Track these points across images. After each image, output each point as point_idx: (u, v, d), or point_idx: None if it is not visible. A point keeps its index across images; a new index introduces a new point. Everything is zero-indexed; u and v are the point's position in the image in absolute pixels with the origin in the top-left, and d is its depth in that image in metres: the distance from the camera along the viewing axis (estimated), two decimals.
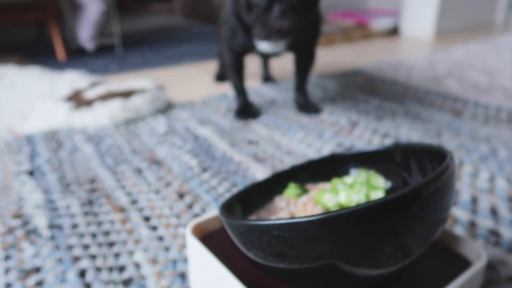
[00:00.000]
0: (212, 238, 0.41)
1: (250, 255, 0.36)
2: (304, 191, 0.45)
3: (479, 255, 0.38)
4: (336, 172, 0.46)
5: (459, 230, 0.56)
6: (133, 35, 2.36)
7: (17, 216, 0.61)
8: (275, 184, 0.45)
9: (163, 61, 1.67)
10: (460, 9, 2.21)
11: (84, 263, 0.51)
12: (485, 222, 0.57)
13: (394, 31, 2.23)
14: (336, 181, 0.41)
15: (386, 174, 0.43)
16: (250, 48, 0.93)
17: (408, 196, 0.30)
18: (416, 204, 0.32)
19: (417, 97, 1.12)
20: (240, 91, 1.02)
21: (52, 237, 0.56)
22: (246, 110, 1.00)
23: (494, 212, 0.60)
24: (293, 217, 0.30)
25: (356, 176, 0.42)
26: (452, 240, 0.41)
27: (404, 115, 0.99)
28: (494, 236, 0.54)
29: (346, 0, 2.56)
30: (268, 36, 0.79)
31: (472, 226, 0.57)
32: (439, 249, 0.41)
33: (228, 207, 0.39)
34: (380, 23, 2.21)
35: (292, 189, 0.44)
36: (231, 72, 0.99)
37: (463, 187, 0.66)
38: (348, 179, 0.43)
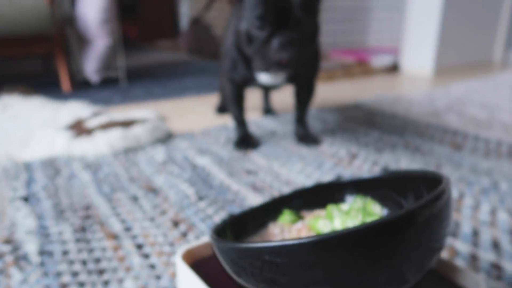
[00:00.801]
0: (203, 265, 0.40)
1: (241, 281, 0.34)
2: (299, 217, 0.44)
3: (479, 286, 0.36)
4: (332, 199, 0.45)
5: (460, 263, 0.54)
6: (137, 69, 2.41)
7: (8, 241, 0.60)
8: (269, 210, 0.45)
9: (166, 93, 1.69)
10: (458, 47, 2.26)
11: None
12: (486, 255, 0.56)
13: (393, 68, 2.26)
14: (331, 208, 0.41)
15: (382, 201, 0.42)
16: (250, 80, 0.94)
17: (402, 218, 0.29)
18: (411, 229, 0.31)
19: (417, 131, 1.12)
20: (240, 122, 1.02)
21: (42, 264, 0.55)
22: (246, 141, 1.00)
23: (496, 245, 0.58)
24: (284, 240, 0.29)
25: (352, 203, 0.42)
26: (452, 271, 0.39)
27: (404, 147, 0.99)
28: (496, 270, 0.52)
29: (346, 38, 2.63)
30: (268, 68, 0.80)
31: (473, 259, 0.55)
32: (439, 279, 0.39)
33: (219, 232, 0.38)
34: (380, 60, 2.25)
35: (286, 216, 0.43)
36: (232, 103, 1.00)
37: (464, 220, 0.65)
38: (344, 206, 0.42)
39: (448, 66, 2.23)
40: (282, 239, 0.37)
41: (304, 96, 1.03)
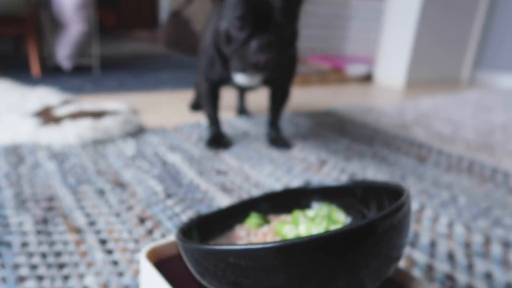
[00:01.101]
0: (167, 264, 0.40)
1: (205, 282, 0.35)
2: (266, 221, 0.44)
3: None
4: (299, 205, 0.46)
5: (416, 273, 0.56)
6: (112, 59, 2.35)
7: None
8: (237, 212, 0.45)
9: (140, 86, 1.67)
10: (430, 63, 2.34)
11: (30, 284, 0.48)
12: (442, 266, 0.58)
13: (367, 78, 2.32)
14: (297, 214, 0.41)
15: (347, 209, 0.43)
16: (226, 80, 0.95)
17: (364, 228, 0.30)
18: (371, 239, 0.32)
19: (385, 141, 1.15)
20: (214, 121, 1.02)
21: None
22: (218, 140, 1.00)
23: (451, 257, 0.61)
24: (249, 244, 0.29)
25: (318, 209, 0.43)
26: (408, 280, 0.41)
27: (371, 157, 1.02)
28: (449, 281, 0.55)
29: (324, 44, 2.67)
30: (245, 69, 0.81)
31: (429, 269, 0.57)
32: None
33: (185, 232, 0.38)
34: (355, 69, 2.30)
35: (253, 219, 0.44)
36: (206, 101, 1.00)
37: (423, 231, 0.68)
38: (310, 212, 0.43)
39: (419, 80, 2.31)
40: (247, 243, 0.38)
41: (278, 100, 1.04)
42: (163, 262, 0.40)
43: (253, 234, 0.42)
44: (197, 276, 0.34)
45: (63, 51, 1.81)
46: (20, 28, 1.72)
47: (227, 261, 0.31)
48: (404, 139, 1.19)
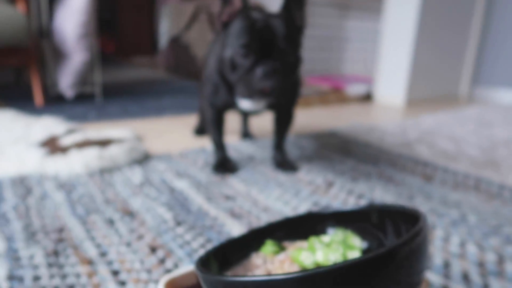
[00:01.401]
0: None
1: None
2: (281, 248, 0.44)
3: None
4: (314, 231, 0.46)
5: None
6: (114, 86, 2.38)
7: None
8: (251, 240, 0.45)
9: (143, 112, 1.68)
10: (428, 80, 2.37)
11: None
12: (458, 287, 0.58)
13: (367, 97, 2.34)
14: (313, 240, 0.41)
15: (362, 234, 0.43)
16: (231, 105, 0.96)
17: (385, 256, 0.30)
18: (392, 265, 0.32)
19: (390, 161, 1.16)
20: (219, 145, 1.03)
21: None
22: (224, 165, 1.01)
23: (466, 277, 0.60)
24: (270, 275, 0.29)
25: (333, 235, 0.43)
26: None
27: (378, 177, 1.02)
28: None
29: (322, 66, 2.70)
30: (251, 95, 0.82)
31: None
32: None
33: (204, 262, 0.38)
34: (354, 89, 2.33)
35: (269, 246, 0.44)
36: (211, 127, 1.00)
37: (436, 251, 0.67)
38: (325, 238, 0.43)
39: (418, 98, 2.33)
40: (267, 274, 0.38)
41: (283, 123, 1.05)
42: None
43: (269, 261, 0.42)
44: None
45: (66, 80, 1.83)
46: (23, 59, 1.75)
47: None
48: (408, 157, 1.20)
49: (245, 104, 0.93)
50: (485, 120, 1.84)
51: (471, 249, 0.69)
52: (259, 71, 0.78)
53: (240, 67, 0.81)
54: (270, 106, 0.97)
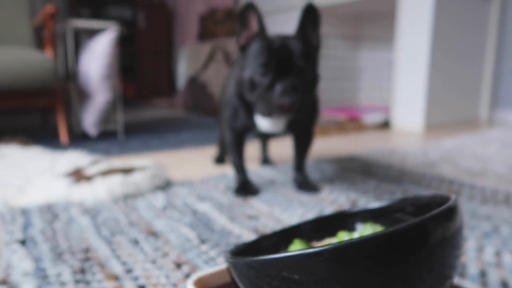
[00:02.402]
0: None
1: None
2: (310, 247, 0.44)
3: None
4: (343, 228, 0.45)
5: None
6: (135, 124, 2.45)
7: (3, 282, 0.58)
8: (280, 240, 0.44)
9: (163, 146, 1.71)
10: (446, 106, 2.35)
11: None
12: None
13: (385, 125, 2.33)
14: (342, 234, 0.41)
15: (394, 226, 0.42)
16: (251, 127, 0.97)
17: (414, 227, 0.29)
18: (424, 250, 0.31)
19: (413, 180, 1.14)
20: (240, 168, 1.03)
21: None
22: (246, 187, 1.01)
23: (505, 285, 0.57)
24: (301, 249, 0.29)
25: (362, 230, 0.42)
26: None
27: (402, 194, 1.00)
28: None
29: (338, 96, 2.73)
30: (271, 112, 0.84)
31: None
32: None
33: (234, 255, 0.38)
34: (371, 118, 2.33)
35: (297, 245, 0.43)
36: (232, 149, 1.02)
37: (470, 261, 0.65)
38: (355, 235, 0.43)
39: (437, 124, 2.31)
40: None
41: (303, 143, 1.05)
42: None
43: None
44: None
45: (90, 119, 1.90)
46: (50, 100, 1.83)
47: (281, 275, 0.30)
48: (433, 176, 1.17)
49: (264, 124, 0.94)
50: (508, 141, 1.80)
51: (507, 258, 0.66)
52: (278, 88, 0.80)
53: (259, 86, 0.83)
54: (289, 127, 0.98)
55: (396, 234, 0.28)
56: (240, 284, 0.34)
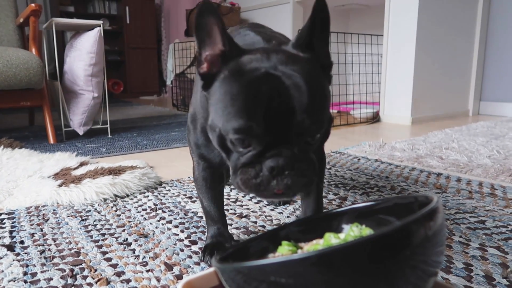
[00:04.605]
0: None
1: None
2: (298, 248, 0.44)
3: None
4: (330, 230, 0.46)
5: None
6: (124, 123, 2.43)
7: None
8: (267, 242, 0.45)
9: (153, 145, 1.71)
10: (433, 100, 2.38)
11: None
12: None
13: (374, 119, 2.35)
14: (329, 235, 0.41)
15: (378, 227, 0.43)
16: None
17: (398, 231, 0.30)
18: (407, 250, 0.32)
19: (401, 174, 1.15)
20: (213, 217, 0.69)
21: None
22: (218, 246, 0.66)
23: (489, 278, 0.59)
24: (287, 255, 0.29)
25: (349, 231, 0.43)
26: None
27: (390, 190, 1.01)
28: None
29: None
30: (256, 193, 0.49)
31: None
32: None
33: (222, 261, 0.38)
34: (361, 112, 2.35)
35: (285, 246, 0.44)
36: (199, 190, 0.69)
37: (455, 255, 0.66)
38: (341, 235, 0.43)
39: (425, 116, 2.34)
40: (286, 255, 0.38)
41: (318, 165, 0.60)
42: None
43: None
44: None
45: (77, 118, 1.88)
46: (37, 100, 1.80)
47: (268, 280, 0.31)
48: (420, 170, 1.19)
49: None
50: (494, 133, 1.83)
51: (492, 251, 0.67)
52: (267, 167, 0.46)
53: (236, 160, 0.49)
54: None
55: (381, 238, 0.29)
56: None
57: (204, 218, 0.77)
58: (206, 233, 0.71)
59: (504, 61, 2.52)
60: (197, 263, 0.65)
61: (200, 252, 0.68)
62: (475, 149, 1.47)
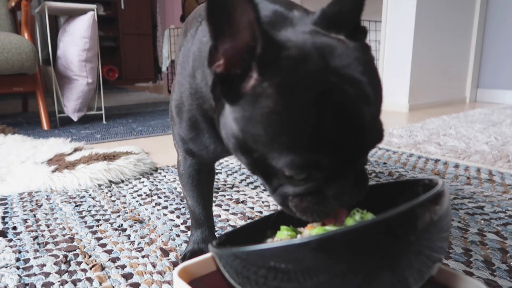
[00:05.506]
0: (200, 283, 0.39)
1: None
2: (297, 232, 0.43)
3: None
4: None
5: None
6: (119, 109, 2.40)
7: None
8: (266, 227, 0.44)
9: (148, 131, 1.69)
10: (431, 87, 2.37)
11: None
12: (481, 274, 0.56)
13: None
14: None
15: (382, 210, 0.42)
16: (221, 155, 0.54)
17: (403, 214, 0.29)
18: (412, 235, 0.31)
19: (399, 161, 1.14)
20: (199, 219, 0.60)
21: None
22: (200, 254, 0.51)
23: (489, 263, 0.58)
24: (287, 240, 0.28)
25: (350, 215, 0.41)
26: (453, 279, 0.39)
27: (388, 176, 1.00)
28: (491, 287, 0.52)
29: None
30: (304, 215, 0.41)
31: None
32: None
33: (219, 246, 0.37)
34: None
35: (284, 231, 0.43)
36: (185, 188, 0.60)
37: (455, 240, 0.65)
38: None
39: (423, 103, 2.32)
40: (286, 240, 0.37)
41: None
42: (196, 281, 0.38)
43: None
44: (238, 286, 0.33)
45: (71, 104, 1.85)
46: (30, 86, 1.77)
47: (268, 265, 0.30)
48: (418, 156, 1.18)
49: None
50: (491, 120, 1.83)
51: (491, 236, 0.67)
52: (331, 194, 0.38)
53: (281, 185, 0.39)
54: None
55: (385, 222, 0.28)
56: (225, 274, 0.33)
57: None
58: (189, 237, 0.63)
59: (501, 49, 2.51)
60: None
61: (179, 260, 0.60)
62: (473, 136, 1.46)
